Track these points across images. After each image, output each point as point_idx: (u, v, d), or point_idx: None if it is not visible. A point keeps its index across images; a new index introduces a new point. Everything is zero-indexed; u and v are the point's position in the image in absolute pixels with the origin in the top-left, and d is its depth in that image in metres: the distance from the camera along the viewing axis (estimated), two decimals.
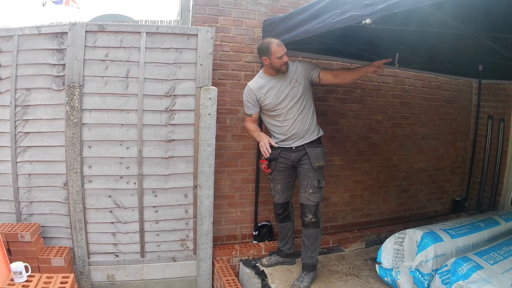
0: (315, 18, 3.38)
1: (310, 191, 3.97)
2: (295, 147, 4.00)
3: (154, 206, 4.27)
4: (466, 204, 7.08)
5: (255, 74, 4.54)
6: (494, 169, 6.69)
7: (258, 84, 3.98)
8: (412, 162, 6.38)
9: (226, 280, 4.07)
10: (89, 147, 3.98)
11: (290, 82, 3.91)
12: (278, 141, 4.05)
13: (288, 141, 4.02)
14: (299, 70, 3.92)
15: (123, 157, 4.09)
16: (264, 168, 4.11)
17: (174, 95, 4.13)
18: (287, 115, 3.93)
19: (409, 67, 5.73)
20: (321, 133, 4.08)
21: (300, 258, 4.26)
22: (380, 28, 3.15)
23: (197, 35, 4.08)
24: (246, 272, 4.49)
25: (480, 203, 6.82)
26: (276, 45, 3.72)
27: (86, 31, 3.81)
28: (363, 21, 2.77)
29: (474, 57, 4.81)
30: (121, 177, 4.12)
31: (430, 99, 6.37)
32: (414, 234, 4.05)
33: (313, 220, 4.01)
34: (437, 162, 6.70)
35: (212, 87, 4.17)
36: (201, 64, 4.13)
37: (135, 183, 4.16)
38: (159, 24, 5.11)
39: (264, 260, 4.46)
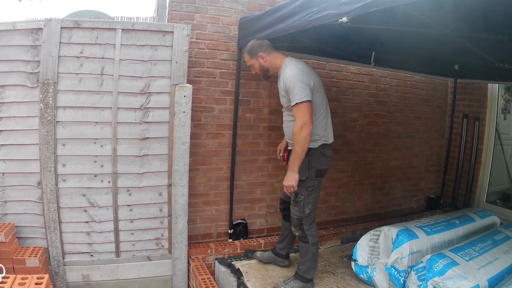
0: (292, 16, 3.48)
1: (291, 203, 3.97)
2: (289, 149, 4.02)
3: (129, 205, 4.35)
4: (441, 201, 7.39)
5: (231, 72, 4.75)
6: (469, 167, 7.00)
7: None
8: (387, 160, 6.61)
9: (202, 279, 4.16)
10: (63, 145, 4.04)
11: (279, 88, 3.89)
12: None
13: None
14: (282, 84, 3.75)
15: (97, 155, 4.15)
16: (283, 158, 4.38)
17: (149, 92, 4.21)
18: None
19: (385, 66, 5.92)
20: (310, 145, 3.68)
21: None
22: (356, 27, 3.25)
23: (173, 32, 4.17)
24: (221, 270, 4.62)
25: (455, 200, 7.16)
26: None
27: (61, 27, 3.86)
28: (340, 20, 2.84)
29: (450, 56, 5.01)
30: (95, 176, 4.18)
31: (406, 98, 6.62)
32: (389, 232, 4.21)
33: (297, 234, 4.05)
34: (412, 160, 6.97)
35: (187, 84, 4.26)
36: (176, 62, 4.22)
37: (109, 181, 4.23)
38: (135, 20, 5.18)
39: (258, 253, 4.62)
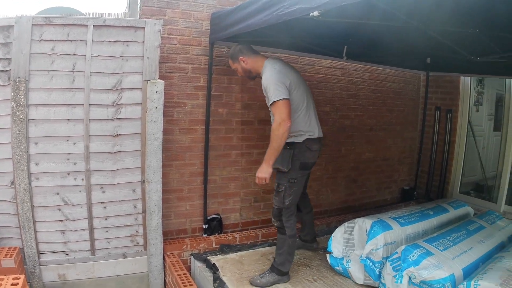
0: (263, 10, 3.54)
1: (274, 193, 4.22)
2: None
3: (103, 202, 4.40)
4: (415, 193, 7.63)
5: (203, 67, 4.85)
6: (442, 158, 7.26)
7: None
8: (360, 152, 6.80)
9: (178, 275, 4.25)
10: (36, 143, 4.06)
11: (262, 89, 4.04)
12: None
13: None
14: (263, 84, 3.95)
15: (70, 153, 4.19)
16: None
17: (121, 89, 4.26)
18: None
19: (357, 60, 6.06)
20: (293, 139, 4.03)
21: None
22: (328, 21, 3.36)
23: (144, 27, 4.21)
24: (197, 266, 4.73)
25: (429, 191, 7.42)
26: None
27: (32, 24, 3.86)
28: (311, 14, 2.90)
29: (422, 50, 5.18)
30: (68, 174, 4.22)
31: (378, 91, 6.82)
32: (363, 223, 4.34)
33: (275, 224, 4.28)
34: (385, 153, 7.19)
35: (159, 80, 4.33)
36: (148, 57, 4.27)
37: (82, 179, 4.27)
38: (106, 16, 5.20)
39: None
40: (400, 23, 3.56)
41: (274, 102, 3.77)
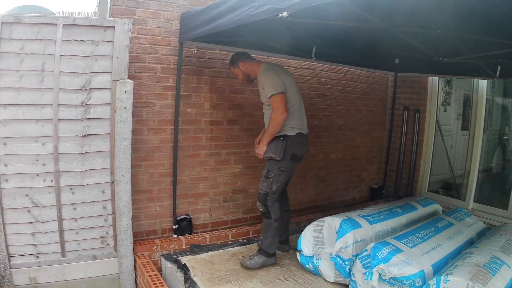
0: (233, 11, 3.64)
1: (262, 179, 4.73)
2: None
3: (72, 204, 4.43)
4: (383, 191, 7.93)
5: (172, 67, 4.99)
6: (410, 157, 7.56)
7: None
8: (329, 152, 7.04)
9: (149, 276, 4.32)
10: (4, 144, 4.08)
11: (259, 87, 4.72)
12: None
13: None
14: (261, 81, 4.62)
15: (39, 154, 4.21)
16: None
17: (90, 88, 4.31)
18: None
19: (326, 60, 6.28)
20: (287, 132, 4.61)
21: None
22: (297, 22, 3.57)
23: (114, 27, 4.29)
24: (168, 266, 4.82)
25: (398, 190, 7.71)
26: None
27: (2, 23, 3.88)
28: (280, 14, 2.98)
29: (390, 51, 5.40)
30: (37, 175, 4.24)
31: (347, 91, 7.06)
32: (332, 222, 4.50)
33: (260, 209, 4.81)
34: (353, 152, 7.45)
35: (128, 80, 4.41)
36: (117, 57, 4.34)
37: (52, 180, 4.29)
38: (76, 16, 5.22)
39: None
40: (369, 24, 3.74)
41: (272, 95, 4.42)
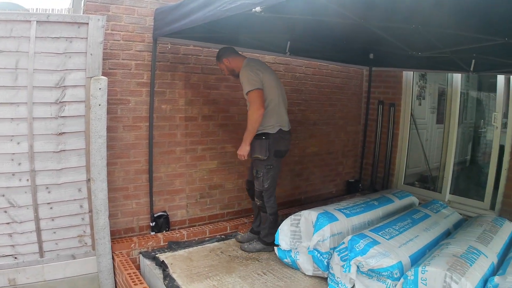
0: (207, 6, 3.72)
1: (255, 178, 5.07)
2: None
3: (49, 203, 4.46)
4: (360, 185, 8.14)
5: (146, 63, 5.07)
6: (385, 151, 7.80)
7: None
8: (304, 147, 7.21)
9: (128, 274, 4.39)
10: None
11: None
12: None
13: None
14: (240, 78, 4.86)
15: (14, 153, 4.23)
16: None
17: (64, 86, 4.34)
18: None
19: (300, 56, 6.41)
20: (268, 130, 4.90)
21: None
22: (271, 17, 3.57)
23: (87, 23, 4.30)
24: (146, 264, 4.91)
25: (374, 183, 7.94)
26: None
27: None
28: (253, 9, 3.04)
29: (364, 45, 5.59)
30: (13, 174, 4.26)
31: (321, 86, 7.24)
32: (309, 215, 4.64)
33: (258, 203, 5.16)
34: (329, 146, 7.65)
35: (102, 77, 4.44)
36: (91, 54, 4.38)
37: (27, 179, 4.32)
38: (50, 12, 5.22)
39: (239, 236, 5.46)
40: (342, 18, 3.87)
41: (248, 92, 4.71)
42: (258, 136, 4.86)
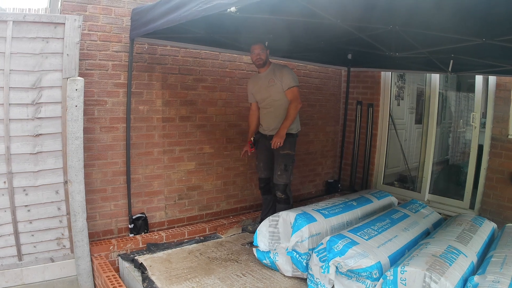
0: (182, 6, 3.78)
1: (278, 173, 5.55)
2: (269, 135, 5.60)
3: (26, 206, 4.49)
4: (339, 185, 8.30)
5: (123, 64, 5.13)
6: (364, 151, 7.99)
7: (253, 78, 5.84)
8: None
9: (107, 276, 4.47)
10: None
11: (269, 80, 5.49)
12: (261, 128, 5.81)
13: (264, 129, 5.74)
14: (278, 74, 5.44)
15: None
16: (249, 147, 5.84)
17: (41, 87, 4.37)
18: (263, 107, 5.45)
19: (278, 56, 6.53)
20: (296, 129, 5.66)
21: None
22: (247, 17, 3.75)
23: (64, 23, 4.35)
24: (125, 266, 4.99)
25: (353, 183, 8.11)
26: (253, 45, 5.36)
27: None
28: (228, 9, 3.12)
29: (343, 46, 5.71)
30: None
31: (300, 87, 7.16)
32: (287, 216, 4.75)
33: (282, 196, 5.61)
34: (308, 147, 7.79)
35: (79, 77, 4.49)
36: (68, 54, 4.42)
37: (4, 182, 4.33)
38: (27, 12, 5.25)
39: (249, 227, 5.83)
40: (318, 19, 4.00)
41: (294, 86, 5.40)
42: (290, 134, 5.48)
